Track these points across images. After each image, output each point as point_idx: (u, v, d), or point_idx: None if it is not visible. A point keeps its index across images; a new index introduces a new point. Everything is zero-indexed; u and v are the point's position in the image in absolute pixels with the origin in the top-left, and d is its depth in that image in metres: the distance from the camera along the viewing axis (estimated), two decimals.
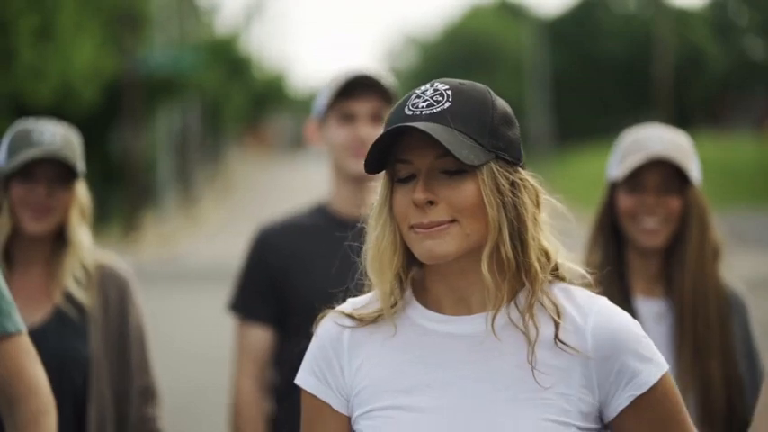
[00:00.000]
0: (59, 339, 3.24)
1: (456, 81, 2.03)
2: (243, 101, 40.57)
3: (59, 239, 3.29)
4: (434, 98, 1.99)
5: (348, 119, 3.39)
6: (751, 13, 45.25)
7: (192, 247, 21.29)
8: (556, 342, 1.97)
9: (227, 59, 35.44)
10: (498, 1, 58.02)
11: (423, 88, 2.03)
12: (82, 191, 3.30)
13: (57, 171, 3.23)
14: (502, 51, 52.48)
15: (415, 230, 1.98)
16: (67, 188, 3.25)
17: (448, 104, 1.98)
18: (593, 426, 2.00)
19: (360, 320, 2.05)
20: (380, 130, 3.29)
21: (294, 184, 39.37)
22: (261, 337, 3.39)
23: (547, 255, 2.02)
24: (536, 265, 1.99)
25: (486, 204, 1.97)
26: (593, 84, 46.70)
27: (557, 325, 1.97)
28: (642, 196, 3.14)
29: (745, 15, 46.22)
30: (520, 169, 2.02)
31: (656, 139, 3.15)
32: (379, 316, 2.04)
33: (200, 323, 12.44)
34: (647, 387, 1.99)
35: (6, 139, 3.30)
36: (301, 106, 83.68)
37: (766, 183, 28.51)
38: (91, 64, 17.99)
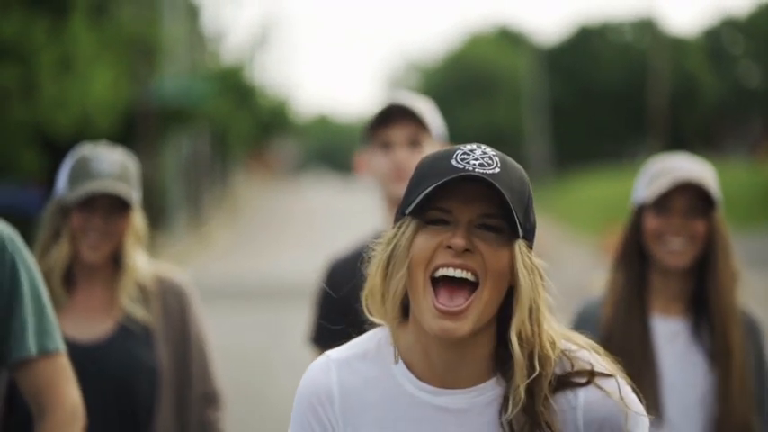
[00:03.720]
0: (124, 351, 3.35)
1: (497, 151, 2.00)
2: (249, 127, 41.29)
3: (117, 262, 3.39)
4: (484, 159, 1.96)
5: (386, 146, 3.44)
6: (745, 42, 45.89)
7: (203, 267, 22.12)
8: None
9: (234, 88, 36.19)
10: (498, 30, 58.84)
11: (469, 147, 1.98)
12: (137, 218, 3.39)
13: (113, 201, 3.34)
14: (501, 78, 53.19)
15: (436, 305, 1.92)
16: (123, 216, 3.35)
17: (498, 170, 1.94)
18: None
19: (348, 384, 1.99)
20: (418, 155, 3.34)
21: (296, 207, 40.13)
22: None
23: (552, 342, 1.96)
24: (548, 348, 1.95)
25: (520, 275, 1.93)
26: (591, 111, 47.36)
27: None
28: (669, 218, 3.23)
29: (740, 44, 46.87)
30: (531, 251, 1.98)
31: (683, 165, 3.26)
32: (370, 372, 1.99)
33: (214, 336, 13.26)
34: None
35: (67, 167, 3.39)
36: (304, 131, 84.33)
37: (760, 206, 29.15)
38: (108, 94, 18.72)
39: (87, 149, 3.40)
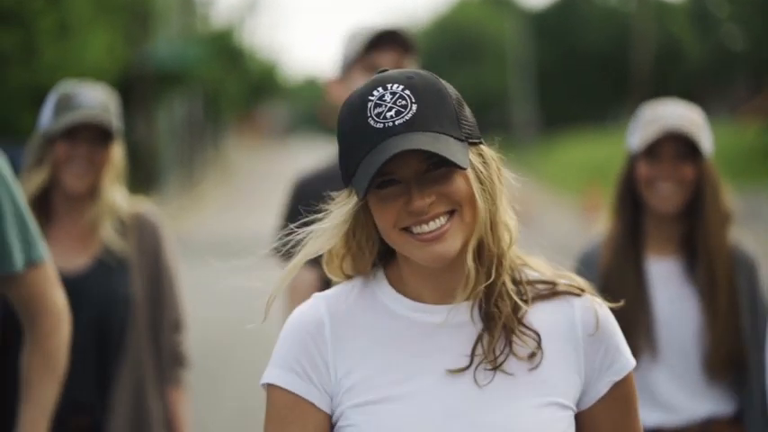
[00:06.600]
0: (101, 282, 3.46)
1: (403, 76, 1.91)
2: (239, 90, 41.67)
3: (97, 195, 3.48)
4: (398, 103, 1.88)
5: (373, 71, 3.41)
6: (730, 5, 46.21)
7: (195, 226, 22.73)
8: (521, 325, 1.93)
9: (225, 51, 36.58)
10: None
11: (377, 93, 1.89)
12: (118, 153, 3.48)
13: (96, 132, 3.43)
14: (488, 42, 53.50)
15: (416, 238, 1.88)
16: (106, 147, 3.45)
17: (415, 107, 1.87)
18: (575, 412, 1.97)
19: (339, 312, 1.97)
20: None
21: (285, 168, 40.62)
22: (308, 277, 3.31)
23: (509, 231, 1.95)
24: (504, 245, 1.94)
25: (478, 198, 1.89)
26: (576, 74, 47.75)
27: (518, 306, 1.93)
28: (659, 164, 3.32)
29: (725, 6, 47.21)
30: (481, 146, 1.95)
31: (672, 113, 3.32)
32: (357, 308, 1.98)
33: (209, 293, 13.88)
34: (624, 373, 1.97)
35: (51, 101, 3.47)
36: (293, 94, 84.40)
37: (744, 166, 29.73)
38: (104, 58, 19.22)
39: (70, 86, 3.50)
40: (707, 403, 3.33)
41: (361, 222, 1.95)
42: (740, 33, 44.31)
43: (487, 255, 1.93)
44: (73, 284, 3.30)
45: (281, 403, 1.93)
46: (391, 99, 1.88)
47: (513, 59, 46.75)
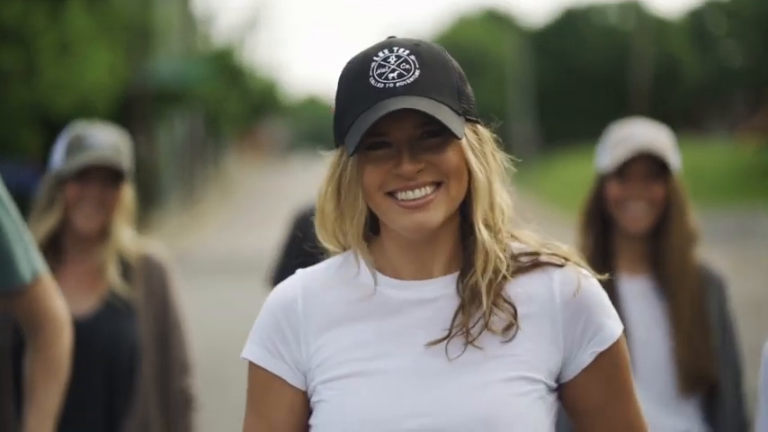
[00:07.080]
0: (109, 325, 3.46)
1: (411, 42, 1.92)
2: (239, 109, 41.82)
3: (106, 237, 3.49)
4: (401, 66, 1.88)
5: None
6: (728, 22, 46.30)
7: (195, 244, 22.81)
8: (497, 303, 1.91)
9: (226, 69, 36.74)
10: (485, 12, 59.40)
11: (383, 54, 1.89)
12: (128, 194, 3.50)
13: (107, 174, 3.45)
14: (488, 60, 53.72)
15: (400, 204, 1.88)
16: (117, 188, 3.47)
17: (418, 72, 1.87)
18: (555, 385, 1.95)
19: (313, 288, 1.96)
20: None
21: (286, 185, 40.75)
22: None
23: (502, 207, 1.95)
24: (499, 222, 1.94)
25: (475, 170, 1.90)
26: (575, 92, 47.95)
27: (502, 279, 1.92)
28: (629, 184, 3.35)
29: (723, 24, 47.33)
30: (477, 125, 1.95)
31: (640, 133, 3.35)
32: (333, 282, 1.96)
33: (211, 311, 13.95)
34: (608, 343, 1.94)
35: (62, 142, 3.50)
36: (294, 113, 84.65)
37: (742, 184, 29.73)
38: (105, 76, 19.33)
39: (81, 127, 3.53)
40: (684, 421, 3.34)
41: (352, 184, 1.92)
42: (739, 50, 44.37)
43: (492, 231, 1.93)
44: (82, 327, 3.30)
45: (256, 379, 1.95)
46: (395, 62, 1.89)
47: (513, 78, 46.90)
